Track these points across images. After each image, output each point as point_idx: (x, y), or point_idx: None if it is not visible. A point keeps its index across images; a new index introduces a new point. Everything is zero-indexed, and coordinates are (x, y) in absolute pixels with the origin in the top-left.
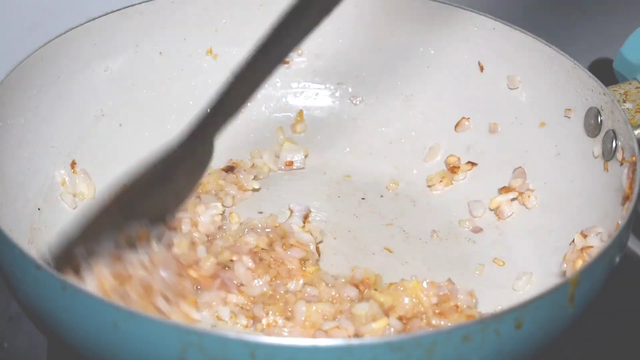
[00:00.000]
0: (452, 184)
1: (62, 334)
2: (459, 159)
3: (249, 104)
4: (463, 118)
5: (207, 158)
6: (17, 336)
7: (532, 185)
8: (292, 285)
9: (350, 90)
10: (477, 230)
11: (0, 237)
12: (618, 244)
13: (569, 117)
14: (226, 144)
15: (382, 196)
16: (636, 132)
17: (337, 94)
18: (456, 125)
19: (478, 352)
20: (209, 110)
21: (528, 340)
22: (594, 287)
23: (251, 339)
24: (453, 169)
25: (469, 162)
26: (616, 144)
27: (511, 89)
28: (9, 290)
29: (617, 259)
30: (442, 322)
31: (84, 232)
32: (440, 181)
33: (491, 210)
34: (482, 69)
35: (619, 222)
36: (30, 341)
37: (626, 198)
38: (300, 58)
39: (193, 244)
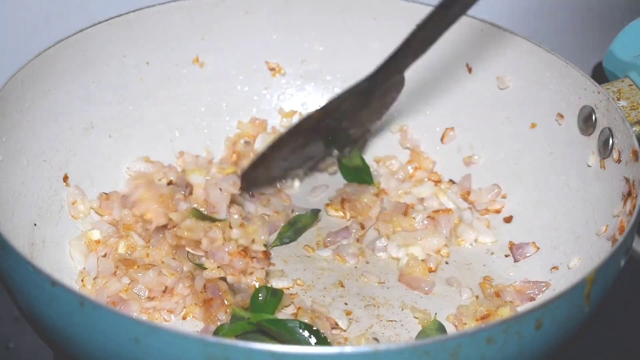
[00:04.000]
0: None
1: (79, 350)
2: (440, 176)
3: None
4: (447, 129)
5: (398, 88)
6: (23, 336)
7: (526, 185)
8: None
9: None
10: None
11: (12, 255)
12: (630, 242)
13: (560, 123)
14: None
15: None
16: (633, 128)
17: (324, 99)
18: (442, 137)
19: (500, 354)
20: (399, 48)
21: (547, 340)
22: (607, 285)
23: (276, 349)
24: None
25: (450, 181)
26: (612, 142)
27: (501, 89)
28: (19, 308)
29: (625, 258)
30: None
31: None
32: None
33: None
34: (470, 70)
35: (624, 218)
36: (35, 341)
37: (628, 195)
38: (288, 63)
39: None
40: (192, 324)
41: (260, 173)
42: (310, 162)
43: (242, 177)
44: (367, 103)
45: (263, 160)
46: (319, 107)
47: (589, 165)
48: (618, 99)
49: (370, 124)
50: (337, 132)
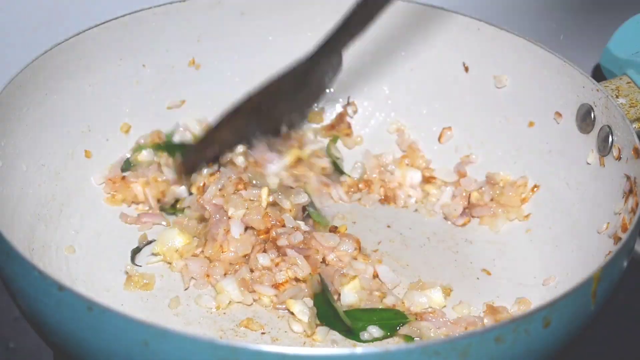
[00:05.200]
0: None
1: (87, 354)
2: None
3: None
4: (445, 128)
5: (336, 69)
6: (23, 336)
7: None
8: None
9: (334, 94)
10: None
11: (17, 261)
12: (634, 239)
13: (558, 122)
14: None
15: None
16: (632, 126)
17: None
18: (439, 137)
19: (509, 352)
20: (339, 27)
21: (554, 338)
22: (612, 282)
23: (288, 351)
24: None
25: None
26: (612, 140)
27: (498, 88)
28: (24, 313)
29: (629, 256)
30: None
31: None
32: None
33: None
34: (467, 69)
35: (626, 216)
36: (35, 341)
37: (629, 192)
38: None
39: None
40: (200, 328)
41: (200, 155)
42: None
43: (183, 159)
44: (305, 84)
45: (204, 142)
46: (257, 88)
47: (588, 163)
48: (617, 97)
49: (306, 108)
50: (274, 115)
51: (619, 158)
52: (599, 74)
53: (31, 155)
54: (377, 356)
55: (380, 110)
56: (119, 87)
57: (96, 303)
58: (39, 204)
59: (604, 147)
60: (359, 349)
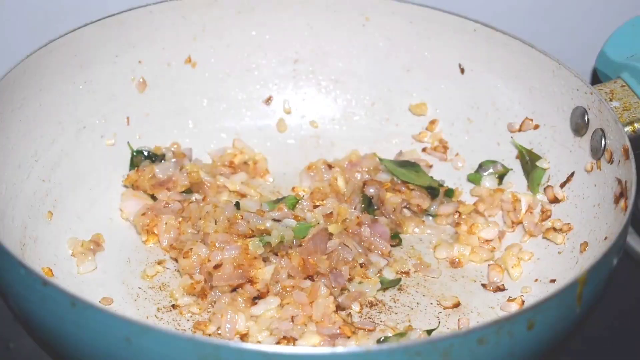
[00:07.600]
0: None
1: (71, 350)
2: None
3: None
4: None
5: None
6: (23, 336)
7: (518, 185)
8: None
9: (329, 94)
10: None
11: (3, 256)
12: (621, 242)
13: (554, 124)
14: None
15: None
16: (625, 129)
17: (317, 99)
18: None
19: (492, 354)
20: None
21: (538, 341)
22: (599, 285)
23: (268, 349)
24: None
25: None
26: (605, 143)
27: (493, 89)
28: (11, 309)
29: (617, 258)
30: None
31: None
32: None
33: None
34: (462, 71)
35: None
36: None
37: (620, 195)
38: (280, 63)
39: None
40: (187, 325)
41: None
42: None
43: None
44: None
45: None
46: None
47: (580, 166)
48: (611, 100)
49: None
50: None
51: (611, 161)
52: (595, 77)
53: (25, 151)
54: (358, 356)
55: (379, 110)
56: (114, 84)
57: (79, 299)
58: (32, 200)
59: (597, 150)
60: (340, 348)
